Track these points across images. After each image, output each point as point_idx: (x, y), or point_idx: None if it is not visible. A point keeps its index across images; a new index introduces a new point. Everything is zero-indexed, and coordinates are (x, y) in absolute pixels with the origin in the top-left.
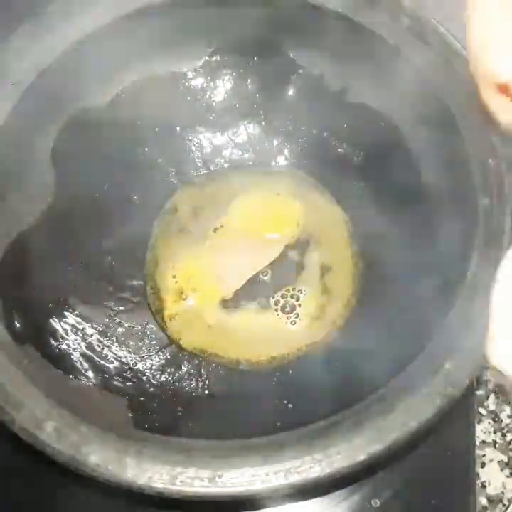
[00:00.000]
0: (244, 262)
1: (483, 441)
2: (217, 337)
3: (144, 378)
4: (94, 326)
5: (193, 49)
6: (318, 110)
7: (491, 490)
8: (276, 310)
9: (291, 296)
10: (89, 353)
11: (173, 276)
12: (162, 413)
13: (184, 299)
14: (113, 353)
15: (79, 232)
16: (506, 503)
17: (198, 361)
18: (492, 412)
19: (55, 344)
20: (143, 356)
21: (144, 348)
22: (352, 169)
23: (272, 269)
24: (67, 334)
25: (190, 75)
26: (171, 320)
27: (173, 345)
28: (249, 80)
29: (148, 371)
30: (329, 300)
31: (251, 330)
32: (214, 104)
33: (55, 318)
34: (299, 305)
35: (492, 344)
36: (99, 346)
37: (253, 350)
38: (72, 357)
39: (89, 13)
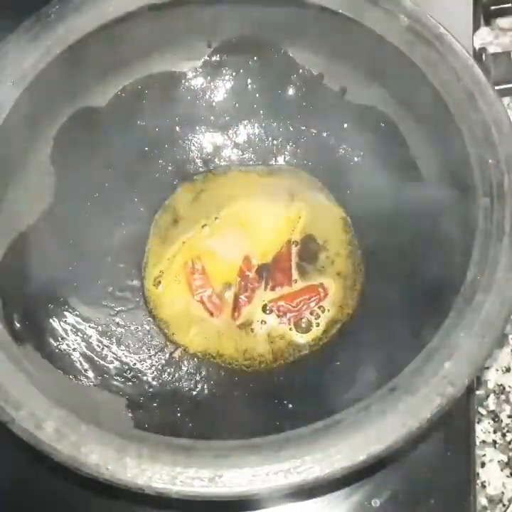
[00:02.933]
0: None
1: (483, 441)
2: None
3: (144, 378)
4: (94, 326)
5: (193, 49)
6: (318, 110)
7: (491, 490)
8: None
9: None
10: (89, 353)
11: (160, 278)
12: (162, 413)
13: (174, 299)
14: (113, 353)
15: (79, 232)
16: (506, 503)
17: (198, 361)
18: (492, 412)
19: (55, 344)
20: (143, 356)
21: (144, 348)
22: (352, 169)
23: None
24: (67, 334)
25: (190, 75)
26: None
27: (172, 345)
28: (249, 80)
29: (148, 371)
30: (329, 300)
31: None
32: (214, 104)
33: (55, 318)
34: None
35: None
36: (99, 346)
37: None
38: (72, 357)
39: (89, 13)
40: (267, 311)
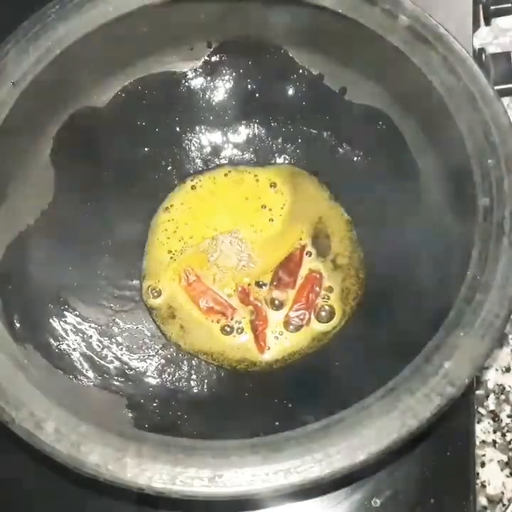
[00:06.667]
0: (245, 264)
1: (483, 441)
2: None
3: (144, 378)
4: (94, 326)
5: (193, 49)
6: (318, 110)
7: (491, 490)
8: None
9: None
10: (89, 353)
11: (159, 277)
12: (162, 413)
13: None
14: (113, 353)
15: (79, 232)
16: (506, 502)
17: (198, 361)
18: (492, 412)
19: (55, 344)
20: (143, 356)
21: (143, 348)
22: (352, 169)
23: (274, 271)
24: (67, 334)
25: (190, 75)
26: (164, 323)
27: (172, 346)
28: (249, 80)
29: (149, 371)
30: (329, 299)
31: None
32: (214, 104)
33: (55, 318)
34: None
35: None
36: (99, 346)
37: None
38: (72, 357)
39: (89, 12)
40: (288, 325)
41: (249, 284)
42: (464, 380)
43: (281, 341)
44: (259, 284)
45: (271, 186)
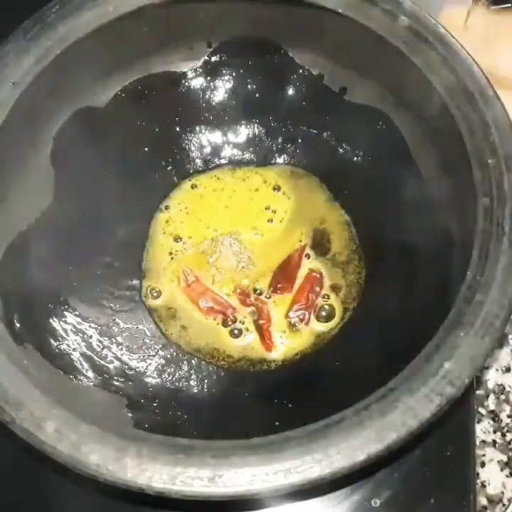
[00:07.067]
0: (244, 266)
1: (483, 441)
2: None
3: (144, 378)
4: (94, 326)
5: (193, 49)
6: (318, 110)
7: (490, 490)
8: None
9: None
10: (89, 353)
11: (159, 277)
12: (162, 413)
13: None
14: (113, 353)
15: (79, 232)
16: (506, 502)
17: (198, 361)
18: (492, 411)
19: (55, 344)
20: (143, 356)
21: (143, 348)
22: (352, 169)
23: (273, 273)
24: (67, 334)
25: (190, 75)
26: (161, 321)
27: (172, 345)
28: (249, 80)
29: (148, 371)
30: (329, 299)
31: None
32: (214, 104)
33: (55, 318)
34: None
35: None
36: (99, 346)
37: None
38: (72, 357)
39: (89, 12)
40: (288, 325)
41: (248, 286)
42: (464, 380)
43: (282, 341)
44: (257, 293)
45: (272, 187)
